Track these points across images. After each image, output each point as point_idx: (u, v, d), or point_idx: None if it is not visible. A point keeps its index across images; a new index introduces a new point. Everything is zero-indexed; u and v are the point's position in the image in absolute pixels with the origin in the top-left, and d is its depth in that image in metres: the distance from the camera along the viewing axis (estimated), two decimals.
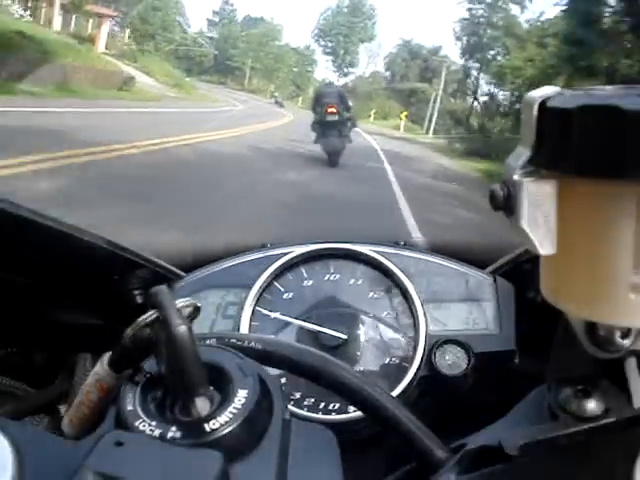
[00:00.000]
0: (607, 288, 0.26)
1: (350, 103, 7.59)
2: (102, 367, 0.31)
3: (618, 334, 0.30)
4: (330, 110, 7.05)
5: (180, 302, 0.29)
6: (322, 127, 7.18)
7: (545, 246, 0.27)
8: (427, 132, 33.53)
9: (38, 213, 0.42)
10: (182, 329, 0.26)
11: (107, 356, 0.31)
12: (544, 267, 0.29)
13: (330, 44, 58.60)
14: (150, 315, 0.29)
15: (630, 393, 0.31)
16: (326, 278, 0.62)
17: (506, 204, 0.27)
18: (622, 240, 0.25)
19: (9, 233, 0.42)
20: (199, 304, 0.30)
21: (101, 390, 0.31)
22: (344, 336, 0.56)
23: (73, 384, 0.49)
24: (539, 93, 0.26)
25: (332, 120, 7.05)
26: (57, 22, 21.87)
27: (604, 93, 0.25)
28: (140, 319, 0.29)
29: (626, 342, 0.30)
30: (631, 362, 0.32)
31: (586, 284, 0.27)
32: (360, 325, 0.58)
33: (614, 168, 0.23)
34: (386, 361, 0.57)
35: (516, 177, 0.26)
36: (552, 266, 0.29)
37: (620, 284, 0.25)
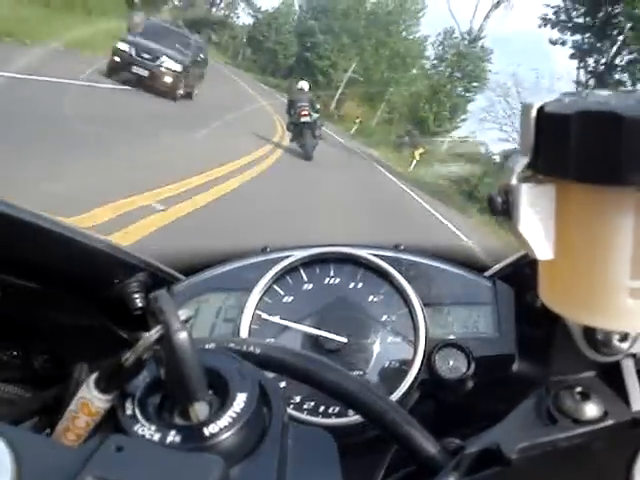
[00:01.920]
0: (605, 293, 0.26)
1: (317, 105, 9.25)
2: (89, 390, 0.29)
3: (616, 338, 0.30)
4: (303, 113, 8.61)
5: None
6: (297, 128, 8.70)
7: (543, 251, 0.27)
8: None
9: (38, 216, 0.42)
10: (182, 334, 0.26)
11: (93, 378, 0.30)
12: (542, 272, 0.29)
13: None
14: (150, 336, 0.28)
15: (628, 396, 0.31)
16: (326, 282, 0.62)
17: (505, 209, 0.27)
18: (620, 245, 0.25)
19: (9, 236, 0.42)
20: (191, 314, 0.30)
21: (89, 414, 0.29)
22: (344, 340, 0.56)
23: (66, 396, 0.47)
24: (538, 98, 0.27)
25: (306, 121, 8.58)
26: None
27: (602, 98, 0.25)
28: (140, 343, 0.28)
29: (624, 345, 0.30)
30: (629, 365, 0.32)
31: (584, 289, 0.27)
32: (360, 329, 0.58)
33: (612, 174, 0.24)
34: (386, 365, 0.57)
35: (514, 182, 0.27)
36: (550, 271, 0.29)
37: (618, 289, 0.26)
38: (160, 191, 4.14)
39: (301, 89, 9.39)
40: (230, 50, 33.30)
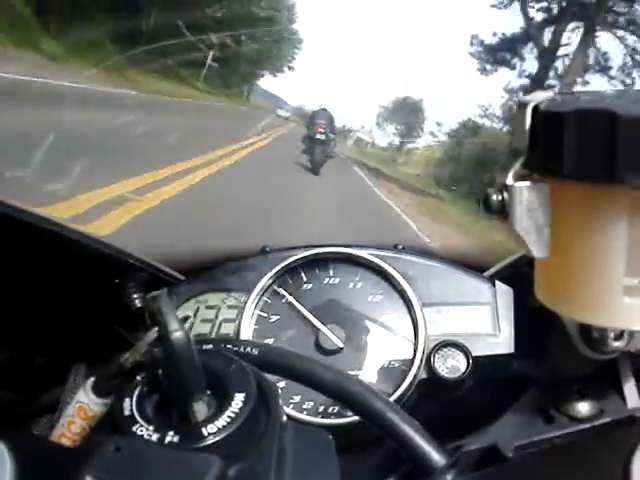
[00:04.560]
0: (600, 291, 0.26)
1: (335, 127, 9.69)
2: (86, 394, 0.29)
3: (612, 336, 0.30)
4: (320, 130, 8.98)
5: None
6: (311, 142, 9.05)
7: (539, 249, 0.27)
8: None
9: (38, 216, 0.43)
10: (180, 334, 0.27)
11: (90, 382, 0.30)
12: (538, 270, 0.29)
13: None
14: (148, 338, 0.28)
15: (624, 393, 0.31)
16: (325, 282, 0.62)
17: (500, 208, 0.27)
18: (615, 243, 0.25)
19: (10, 237, 0.42)
20: (189, 314, 0.30)
21: (85, 418, 0.29)
22: (341, 345, 0.57)
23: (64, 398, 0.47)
24: (533, 97, 0.27)
25: (320, 138, 8.94)
26: None
27: (596, 97, 0.25)
28: (138, 345, 0.28)
29: (619, 344, 0.30)
30: (625, 363, 0.32)
31: (580, 287, 0.27)
32: (359, 328, 0.58)
33: (606, 172, 0.24)
34: (385, 365, 0.57)
35: (510, 181, 0.27)
36: (546, 269, 0.29)
37: (613, 286, 0.26)
38: None
39: (324, 109, 9.92)
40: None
